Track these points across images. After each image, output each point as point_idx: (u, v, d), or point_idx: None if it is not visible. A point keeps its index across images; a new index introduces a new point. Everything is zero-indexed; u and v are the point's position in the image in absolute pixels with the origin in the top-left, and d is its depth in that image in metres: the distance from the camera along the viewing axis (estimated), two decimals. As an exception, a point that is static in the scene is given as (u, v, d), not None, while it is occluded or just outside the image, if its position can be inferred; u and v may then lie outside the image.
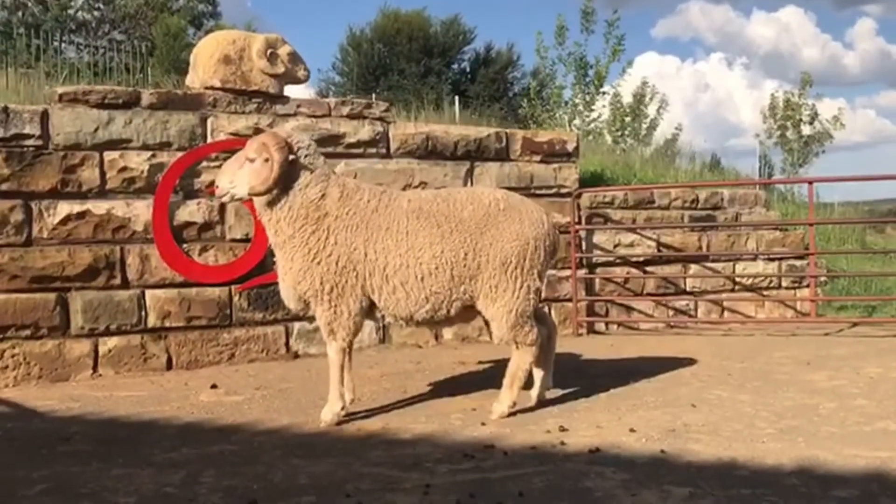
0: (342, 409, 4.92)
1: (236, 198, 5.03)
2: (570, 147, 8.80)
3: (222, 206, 7.07)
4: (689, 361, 6.71)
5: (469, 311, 5.07)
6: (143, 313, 6.80)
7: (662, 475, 3.78)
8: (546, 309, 5.44)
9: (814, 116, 22.64)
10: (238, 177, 4.85)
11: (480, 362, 6.88)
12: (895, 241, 18.40)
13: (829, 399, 5.27)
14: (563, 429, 4.61)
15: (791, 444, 4.25)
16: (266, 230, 5.00)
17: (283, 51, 7.39)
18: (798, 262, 9.91)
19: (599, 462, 4.02)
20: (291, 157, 4.81)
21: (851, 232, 12.95)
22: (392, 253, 4.82)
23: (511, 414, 4.95)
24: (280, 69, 7.36)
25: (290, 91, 7.63)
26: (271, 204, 4.84)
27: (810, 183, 9.30)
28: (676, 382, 5.91)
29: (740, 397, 5.39)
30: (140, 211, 6.80)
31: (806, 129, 22.83)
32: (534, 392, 5.25)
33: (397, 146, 7.86)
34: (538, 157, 8.60)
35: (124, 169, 6.77)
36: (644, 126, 21.80)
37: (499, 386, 5.07)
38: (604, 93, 19.92)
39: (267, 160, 4.75)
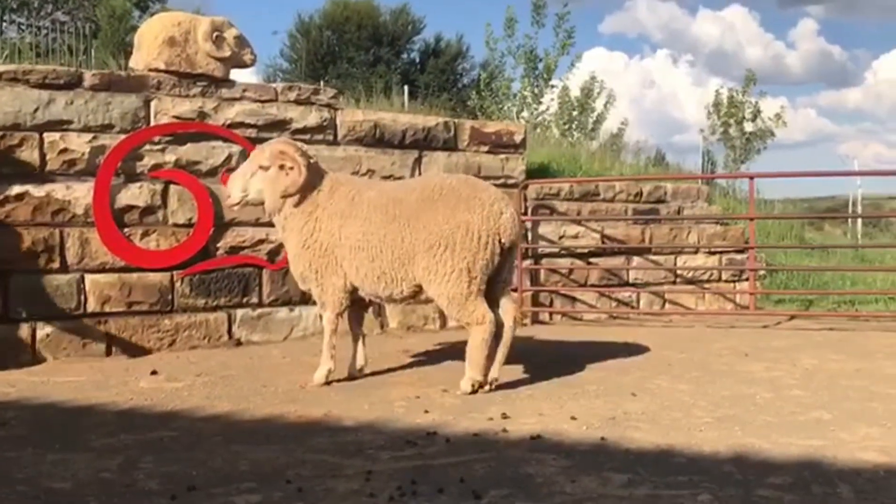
0: (329, 371, 5.58)
1: (251, 203, 5.71)
2: (518, 138, 8.84)
3: (165, 190, 6.97)
4: (631, 352, 6.80)
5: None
6: (82, 298, 6.66)
7: (602, 462, 3.83)
8: (509, 301, 5.39)
9: (756, 114, 23.05)
10: (251, 184, 5.56)
11: (427, 351, 6.89)
12: (833, 236, 18.91)
13: (765, 389, 5.39)
14: (505, 416, 4.63)
15: (728, 433, 4.34)
16: (276, 225, 5.77)
17: (230, 34, 7.29)
18: (738, 256, 10.10)
19: (541, 449, 4.05)
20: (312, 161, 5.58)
21: (791, 227, 13.23)
22: (354, 237, 5.38)
23: (473, 392, 5.18)
24: (226, 52, 7.26)
25: (237, 75, 7.54)
26: (292, 204, 5.54)
27: (751, 178, 9.48)
28: (618, 372, 5.99)
29: (680, 387, 5.48)
30: (80, 194, 6.66)
31: (748, 127, 23.23)
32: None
33: (345, 133, 7.82)
34: (486, 148, 8.62)
35: (65, 151, 6.61)
36: (591, 120, 22.00)
37: (442, 375, 5.09)
38: (552, 86, 20.04)
39: (282, 167, 5.46)
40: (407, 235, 5.21)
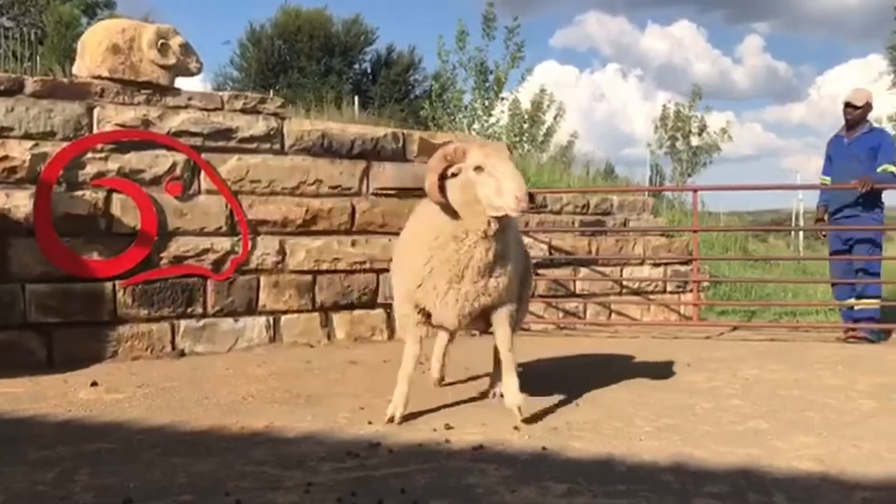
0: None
1: None
2: (466, 149, 8.87)
3: (107, 199, 6.87)
4: (576, 362, 6.86)
5: None
6: (22, 307, 6.54)
7: (543, 472, 3.85)
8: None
9: (702, 128, 23.48)
10: None
11: (375, 362, 6.87)
12: (777, 249, 19.25)
13: (706, 399, 5.47)
14: (449, 427, 4.64)
15: (668, 442, 4.39)
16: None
17: (175, 42, 7.23)
18: (682, 268, 10.24)
19: (483, 459, 4.06)
20: None
21: (735, 240, 13.46)
22: None
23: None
24: (171, 60, 7.19)
25: (182, 83, 7.48)
26: None
27: (695, 191, 9.66)
28: (562, 382, 6.03)
29: (623, 396, 5.54)
30: (21, 202, 6.53)
31: (695, 141, 23.65)
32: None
33: (292, 142, 7.78)
34: (434, 159, 8.63)
35: (5, 158, 6.48)
36: (541, 133, 22.20)
37: (388, 386, 5.07)
38: (503, 98, 20.20)
39: None
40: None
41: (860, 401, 5.48)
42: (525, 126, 21.73)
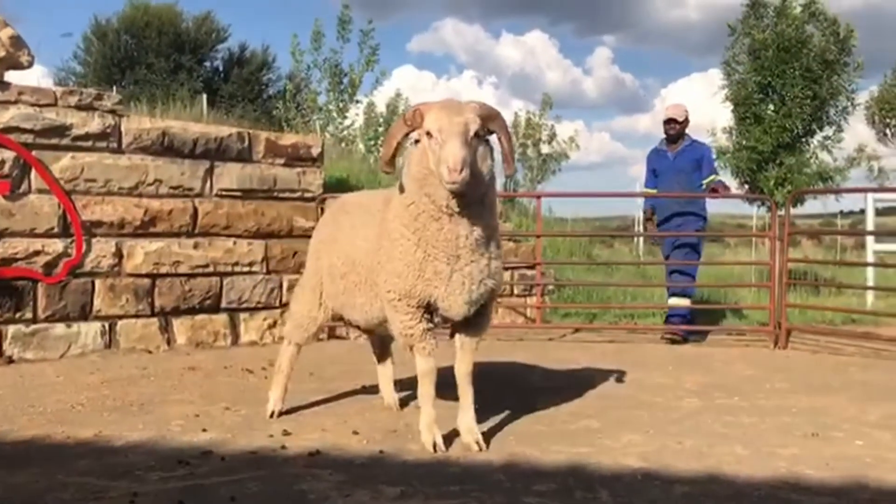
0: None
1: None
2: (315, 151, 8.80)
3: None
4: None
5: None
6: None
7: (378, 475, 3.85)
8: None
9: (552, 136, 24.14)
10: None
11: (215, 368, 6.70)
12: (622, 254, 19.95)
13: (543, 399, 5.60)
14: (286, 433, 4.58)
15: (503, 442, 4.48)
16: None
17: (4, 34, 6.86)
18: (529, 272, 10.47)
19: (318, 465, 4.03)
20: None
21: (580, 245, 13.87)
22: None
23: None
24: (0, 53, 6.81)
25: (13, 77, 7.09)
26: None
27: (538, 198, 9.89)
28: (406, 385, 6.05)
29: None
30: None
31: (545, 148, 24.29)
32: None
33: (130, 141, 7.50)
34: (282, 160, 8.52)
35: None
36: (396, 137, 22.20)
37: (226, 392, 4.97)
38: (358, 101, 20.13)
39: None
40: None
41: (686, 399, 5.75)
42: (381, 130, 21.73)
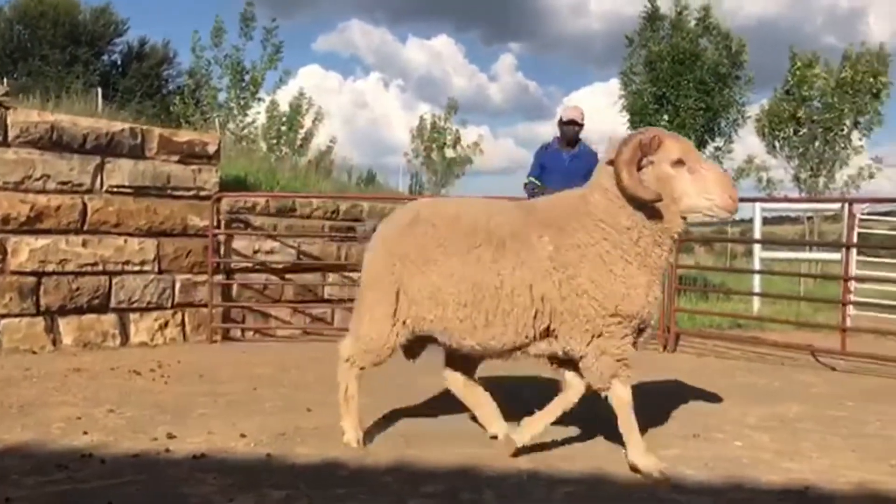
0: None
1: None
2: (211, 149, 8.64)
3: None
4: (318, 367, 6.83)
5: None
6: None
7: (263, 479, 3.80)
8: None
9: (456, 141, 24.28)
10: None
11: (101, 370, 6.50)
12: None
13: (438, 401, 5.59)
14: (171, 436, 4.47)
15: (394, 445, 4.48)
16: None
17: None
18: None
19: (203, 468, 3.95)
20: None
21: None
22: None
23: None
24: None
25: None
26: None
27: (440, 200, 9.91)
28: (300, 388, 6.00)
29: (359, 401, 5.55)
30: None
31: (449, 153, 24.41)
32: None
33: (16, 134, 7.22)
34: (176, 157, 8.33)
35: None
36: (300, 136, 22.05)
37: (111, 394, 4.82)
38: (259, 99, 19.88)
39: None
40: None
41: (579, 403, 5.82)
42: (283, 129, 21.48)
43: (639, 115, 15.94)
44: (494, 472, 4.03)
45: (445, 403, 5.52)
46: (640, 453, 4.03)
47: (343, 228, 9.98)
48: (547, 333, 4.11)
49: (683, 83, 15.43)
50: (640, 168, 3.84)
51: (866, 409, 5.74)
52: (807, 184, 21.82)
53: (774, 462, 4.30)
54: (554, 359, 4.31)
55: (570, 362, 4.23)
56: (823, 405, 5.82)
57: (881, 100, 21.47)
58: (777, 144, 22.07)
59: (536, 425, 4.29)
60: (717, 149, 16.22)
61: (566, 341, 4.07)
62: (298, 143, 21.80)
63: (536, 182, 8.81)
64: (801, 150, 21.80)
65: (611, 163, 3.94)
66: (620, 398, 4.08)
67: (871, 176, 22.27)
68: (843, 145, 21.99)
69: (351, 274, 9.95)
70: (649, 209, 3.86)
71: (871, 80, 20.71)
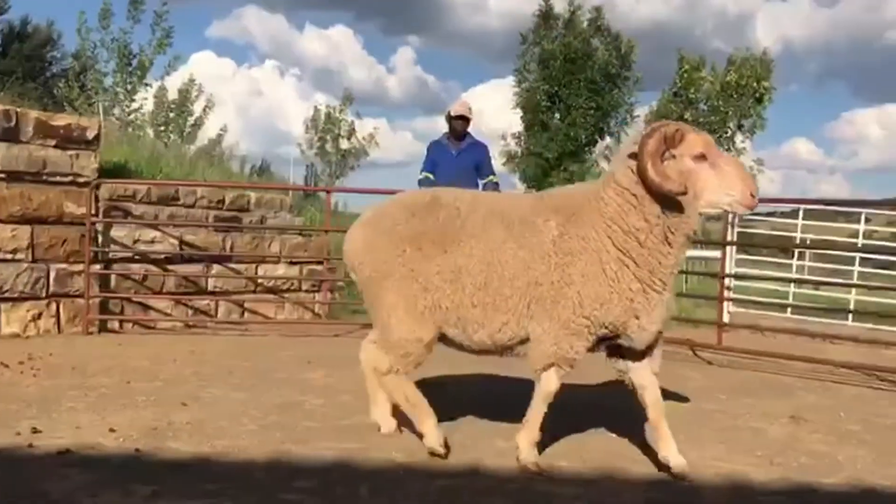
0: None
1: None
2: (91, 134, 8.32)
3: None
4: (196, 360, 6.70)
5: None
6: None
7: (130, 475, 3.69)
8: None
9: (351, 132, 24.12)
10: None
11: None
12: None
13: (317, 396, 5.56)
14: (35, 430, 4.30)
15: (268, 439, 4.40)
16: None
17: None
18: (319, 267, 10.41)
19: (67, 464, 3.81)
20: None
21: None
22: None
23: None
24: None
25: None
26: None
27: (328, 192, 9.85)
28: (176, 382, 5.85)
29: (235, 395, 5.48)
30: None
31: (344, 144, 24.23)
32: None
33: None
34: (53, 142, 8.00)
35: None
36: (189, 123, 21.56)
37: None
38: (147, 84, 19.32)
39: None
40: None
41: (461, 396, 5.85)
42: (171, 115, 20.95)
43: (532, 113, 16.16)
44: (370, 466, 4.02)
45: (329, 399, 5.50)
46: (527, 445, 4.05)
47: (228, 218, 9.78)
48: None
49: (575, 82, 15.73)
50: (661, 161, 3.75)
51: (738, 402, 5.95)
52: (692, 184, 22.57)
53: (646, 454, 4.40)
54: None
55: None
56: (699, 398, 5.99)
57: (764, 104, 22.39)
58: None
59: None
60: (608, 148, 16.60)
61: (529, 322, 3.99)
62: (187, 130, 21.30)
63: (431, 177, 8.84)
64: (687, 151, 22.53)
65: (632, 156, 3.83)
66: (547, 388, 4.02)
67: (754, 178, 23.10)
68: (727, 147, 22.82)
69: (236, 265, 9.78)
70: (668, 204, 3.77)
71: (755, 84, 21.57)
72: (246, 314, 9.80)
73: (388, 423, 4.58)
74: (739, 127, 22.89)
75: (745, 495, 3.89)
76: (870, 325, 11.33)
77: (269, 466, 3.94)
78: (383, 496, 3.59)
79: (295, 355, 7.25)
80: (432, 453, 4.13)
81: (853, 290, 13.01)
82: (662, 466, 4.05)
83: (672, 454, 4.00)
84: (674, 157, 3.76)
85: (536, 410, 4.05)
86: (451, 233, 4.07)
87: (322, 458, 4.10)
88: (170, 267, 9.08)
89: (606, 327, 3.91)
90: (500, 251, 3.98)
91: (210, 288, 9.52)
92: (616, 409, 5.53)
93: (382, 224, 4.23)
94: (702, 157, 3.74)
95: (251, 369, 6.48)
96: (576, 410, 5.36)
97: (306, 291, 10.52)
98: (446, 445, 4.16)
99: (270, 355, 7.22)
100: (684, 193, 3.71)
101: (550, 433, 4.74)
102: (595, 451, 4.43)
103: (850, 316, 11.48)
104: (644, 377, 4.12)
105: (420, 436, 4.24)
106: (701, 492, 3.89)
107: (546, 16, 16.23)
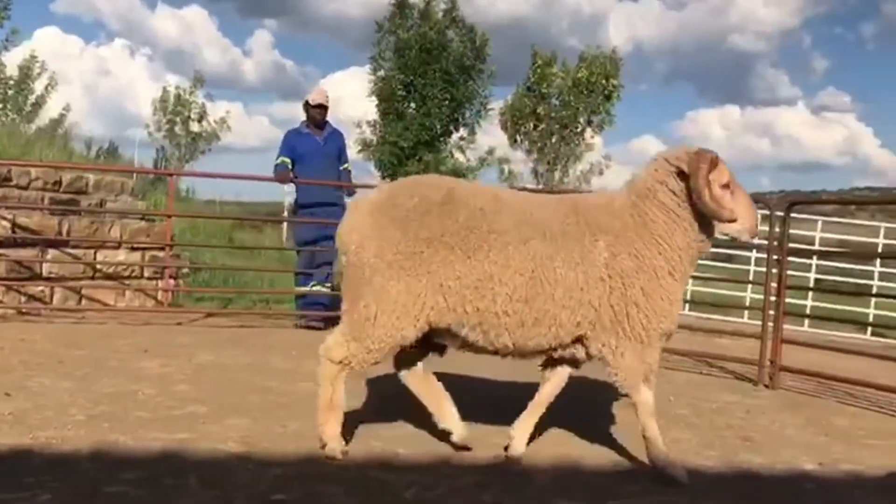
0: None
1: None
2: (-90, 109, 7.79)
3: None
4: (26, 349, 6.40)
5: None
6: None
7: (-60, 470, 3.50)
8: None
9: (202, 115, 23.51)
10: None
11: None
12: (271, 238, 19.90)
13: (151, 385, 5.41)
14: None
15: (96, 430, 4.26)
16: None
17: None
18: (161, 253, 10.10)
19: None
20: None
21: (221, 228, 13.64)
22: None
23: None
24: None
25: None
26: None
27: (171, 176, 9.57)
28: (2, 371, 5.56)
29: (64, 384, 5.26)
30: None
31: (195, 127, 23.59)
32: None
33: None
34: None
35: None
36: (30, 102, 20.52)
37: None
38: (-18, 60, 18.26)
39: None
40: None
41: (301, 383, 5.80)
42: (10, 93, 19.85)
43: (387, 102, 16.20)
44: (200, 456, 3.95)
45: (161, 389, 5.36)
46: (668, 462, 4.06)
47: (65, 201, 9.35)
48: (578, 339, 4.06)
49: (430, 72, 15.84)
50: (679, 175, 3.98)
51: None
52: (544, 177, 23.18)
53: (485, 440, 4.48)
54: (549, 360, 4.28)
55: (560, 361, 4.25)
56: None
57: (612, 101, 23.21)
58: (518, 138, 23.26)
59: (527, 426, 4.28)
60: (462, 139, 16.81)
61: (598, 347, 4.03)
62: (28, 109, 20.23)
63: (287, 162, 8.81)
64: (539, 144, 23.12)
65: (680, 174, 3.96)
66: (646, 401, 4.05)
67: (601, 172, 24.01)
68: (577, 142, 23.55)
69: (73, 251, 9.37)
70: (705, 227, 4.02)
71: (605, 81, 22.30)
72: (83, 301, 9.39)
73: (460, 430, 4.30)
74: (589, 122, 23.67)
75: (573, 475, 4.05)
76: (705, 315, 11.99)
77: (94, 458, 3.81)
78: (213, 487, 3.53)
79: (132, 344, 7.03)
80: (330, 457, 4.03)
81: (690, 281, 13.68)
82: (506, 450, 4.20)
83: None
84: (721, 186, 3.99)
85: (651, 427, 4.07)
86: (476, 238, 3.89)
87: (151, 449, 4.01)
88: (1, 251, 8.60)
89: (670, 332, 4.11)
90: (546, 268, 3.90)
91: (45, 273, 9.08)
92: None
93: (395, 213, 3.94)
94: (726, 186, 3.97)
95: (84, 358, 6.24)
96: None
97: (148, 278, 10.18)
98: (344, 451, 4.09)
99: (106, 344, 6.96)
100: (734, 220, 3.98)
101: (388, 420, 4.81)
102: (433, 438, 4.49)
103: (688, 305, 12.08)
104: (560, 374, 4.31)
105: (254, 428, 4.19)
106: (530, 474, 4.01)
107: (402, 4, 16.29)
